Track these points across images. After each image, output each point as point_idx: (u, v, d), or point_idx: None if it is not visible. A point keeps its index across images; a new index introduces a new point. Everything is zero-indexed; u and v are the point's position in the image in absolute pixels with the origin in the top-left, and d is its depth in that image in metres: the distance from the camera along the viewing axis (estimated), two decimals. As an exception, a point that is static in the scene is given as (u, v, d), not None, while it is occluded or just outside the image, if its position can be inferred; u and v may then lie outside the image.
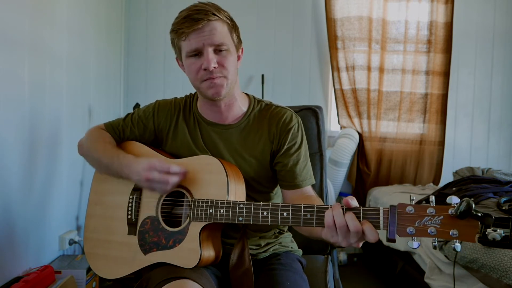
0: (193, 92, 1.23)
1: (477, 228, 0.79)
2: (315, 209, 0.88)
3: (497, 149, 3.11)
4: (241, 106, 1.16)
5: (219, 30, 1.03)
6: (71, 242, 1.98)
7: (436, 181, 3.00)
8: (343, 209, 0.85)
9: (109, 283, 2.12)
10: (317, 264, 1.40)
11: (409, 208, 0.83)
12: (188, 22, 1.01)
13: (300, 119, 1.19)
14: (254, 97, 1.21)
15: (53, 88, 1.82)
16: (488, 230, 1.61)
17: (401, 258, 2.24)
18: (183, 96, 1.24)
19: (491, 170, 2.65)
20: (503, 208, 1.90)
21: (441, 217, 0.80)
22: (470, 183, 2.25)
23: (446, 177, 2.93)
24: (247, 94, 1.22)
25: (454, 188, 2.19)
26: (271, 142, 1.14)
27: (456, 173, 2.73)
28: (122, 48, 2.82)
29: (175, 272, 0.96)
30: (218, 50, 1.04)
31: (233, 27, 1.09)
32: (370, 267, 2.81)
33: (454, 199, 0.80)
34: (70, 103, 2.00)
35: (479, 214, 0.78)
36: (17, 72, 1.56)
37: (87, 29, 2.20)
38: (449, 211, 0.80)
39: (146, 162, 1.02)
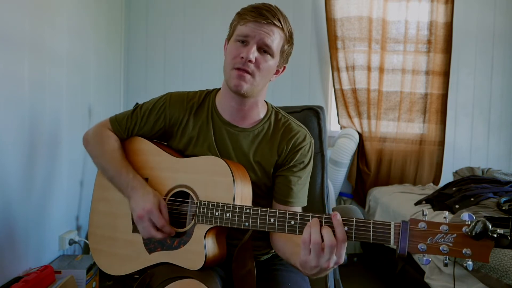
0: (210, 89, 1.22)
1: (490, 248, 0.77)
2: (323, 221, 0.86)
3: (497, 149, 3.11)
4: (259, 113, 1.17)
5: (275, 36, 1.06)
6: (71, 242, 1.98)
7: (436, 181, 3.00)
8: (321, 224, 0.84)
9: (109, 283, 2.12)
10: (318, 264, 1.40)
11: (421, 225, 0.80)
12: (255, 13, 1.04)
13: (312, 140, 1.19)
14: (272, 106, 1.22)
15: (53, 88, 1.82)
16: (489, 230, 1.60)
17: (401, 258, 2.23)
18: (197, 90, 1.22)
19: (491, 170, 2.66)
20: (503, 208, 1.90)
21: (454, 235, 0.78)
22: (470, 183, 2.25)
23: (446, 177, 2.93)
24: (266, 102, 1.22)
25: (454, 188, 2.19)
26: (278, 155, 1.14)
27: (456, 173, 2.73)
28: (122, 48, 2.82)
29: (180, 271, 0.96)
30: (262, 50, 1.05)
31: (288, 43, 1.12)
32: (370, 267, 2.81)
33: (468, 217, 0.78)
34: (70, 103, 2.00)
35: (495, 235, 0.76)
36: (17, 72, 1.55)
37: (87, 29, 2.20)
38: (463, 230, 0.78)
39: (149, 202, 1.01)
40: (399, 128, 2.98)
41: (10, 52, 1.50)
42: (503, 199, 1.99)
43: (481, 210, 1.91)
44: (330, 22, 2.89)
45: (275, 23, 1.04)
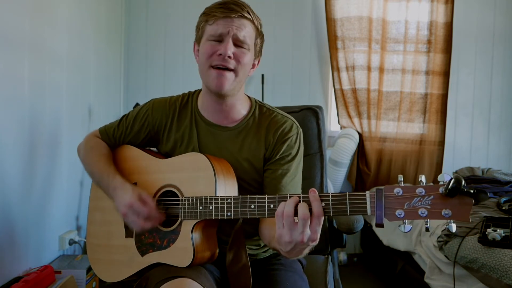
0: (192, 90, 1.22)
1: (470, 206, 0.73)
2: (301, 199, 0.85)
3: (497, 149, 3.11)
4: (241, 109, 1.15)
5: (248, 29, 1.05)
6: (71, 242, 1.98)
7: (436, 181, 2.99)
8: (299, 201, 0.84)
9: (109, 283, 2.12)
10: (317, 264, 1.40)
11: (396, 190, 0.78)
12: (223, 9, 1.02)
13: (300, 130, 1.17)
14: (256, 101, 1.19)
15: (53, 88, 1.82)
16: (488, 230, 1.62)
17: (401, 258, 2.24)
18: (180, 94, 1.22)
19: (491, 170, 2.66)
20: (503, 208, 1.90)
21: (432, 196, 0.75)
22: (470, 183, 2.26)
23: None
24: (248, 96, 1.20)
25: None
26: (265, 149, 1.13)
27: (456, 173, 2.73)
28: (122, 48, 2.82)
29: (174, 271, 0.96)
30: (238, 45, 1.04)
31: (260, 35, 1.10)
32: (370, 267, 2.81)
33: (446, 177, 0.76)
34: (70, 103, 2.00)
35: (472, 191, 0.73)
36: (17, 72, 1.56)
37: (87, 29, 2.20)
38: (440, 190, 0.75)
39: (128, 197, 1.01)
40: (399, 128, 2.98)
41: (10, 52, 1.50)
42: (503, 199, 1.99)
43: (481, 210, 1.91)
44: (330, 22, 2.89)
45: (245, 15, 1.04)
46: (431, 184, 0.80)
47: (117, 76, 2.76)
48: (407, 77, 2.94)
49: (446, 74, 2.91)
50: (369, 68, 2.91)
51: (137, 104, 2.56)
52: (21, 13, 1.56)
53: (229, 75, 1.04)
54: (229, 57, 1.02)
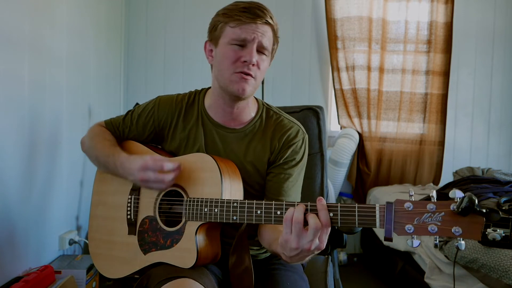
0: (199, 89, 1.21)
1: (482, 225, 0.72)
2: (309, 206, 0.85)
3: (497, 149, 3.11)
4: (250, 111, 1.15)
5: (269, 35, 1.05)
6: (71, 242, 1.98)
7: (436, 181, 3.00)
8: (306, 211, 0.84)
9: (109, 283, 2.12)
10: (317, 264, 1.40)
11: (407, 205, 0.77)
12: (249, 14, 1.00)
13: (306, 136, 1.17)
14: (263, 103, 1.19)
15: (53, 88, 1.82)
16: (488, 230, 1.61)
17: (401, 258, 2.24)
18: (187, 92, 1.21)
19: (491, 170, 2.65)
20: (503, 208, 1.90)
21: (442, 213, 0.74)
22: (470, 183, 2.25)
23: (446, 177, 2.93)
24: (256, 98, 1.20)
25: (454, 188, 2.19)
26: (270, 152, 1.13)
27: (456, 173, 2.73)
28: (122, 48, 2.82)
29: (176, 271, 0.96)
30: (260, 52, 1.04)
31: (276, 40, 1.09)
32: (370, 267, 2.81)
33: (457, 194, 0.74)
34: (70, 103, 2.00)
35: (484, 210, 0.72)
36: (17, 72, 1.55)
37: (87, 29, 2.20)
38: (451, 207, 0.74)
39: (139, 161, 1.00)
40: (399, 128, 2.98)
41: (10, 52, 1.50)
42: (503, 199, 1.99)
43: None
44: (330, 22, 2.89)
45: (269, 21, 1.03)
46: (442, 186, 0.80)
47: (117, 76, 2.76)
48: (407, 77, 2.94)
49: (446, 74, 2.92)
50: (369, 68, 2.91)
51: (137, 104, 2.54)
52: (21, 13, 1.56)
53: (251, 80, 1.05)
54: (253, 64, 1.02)
